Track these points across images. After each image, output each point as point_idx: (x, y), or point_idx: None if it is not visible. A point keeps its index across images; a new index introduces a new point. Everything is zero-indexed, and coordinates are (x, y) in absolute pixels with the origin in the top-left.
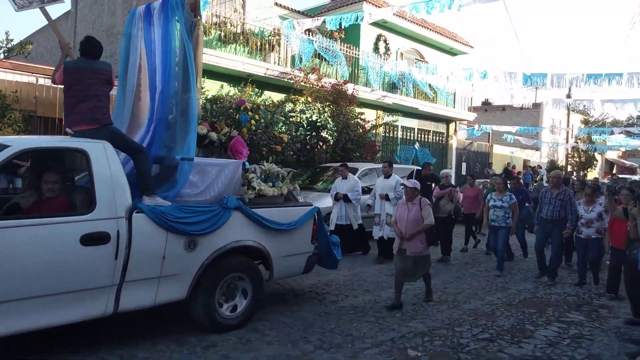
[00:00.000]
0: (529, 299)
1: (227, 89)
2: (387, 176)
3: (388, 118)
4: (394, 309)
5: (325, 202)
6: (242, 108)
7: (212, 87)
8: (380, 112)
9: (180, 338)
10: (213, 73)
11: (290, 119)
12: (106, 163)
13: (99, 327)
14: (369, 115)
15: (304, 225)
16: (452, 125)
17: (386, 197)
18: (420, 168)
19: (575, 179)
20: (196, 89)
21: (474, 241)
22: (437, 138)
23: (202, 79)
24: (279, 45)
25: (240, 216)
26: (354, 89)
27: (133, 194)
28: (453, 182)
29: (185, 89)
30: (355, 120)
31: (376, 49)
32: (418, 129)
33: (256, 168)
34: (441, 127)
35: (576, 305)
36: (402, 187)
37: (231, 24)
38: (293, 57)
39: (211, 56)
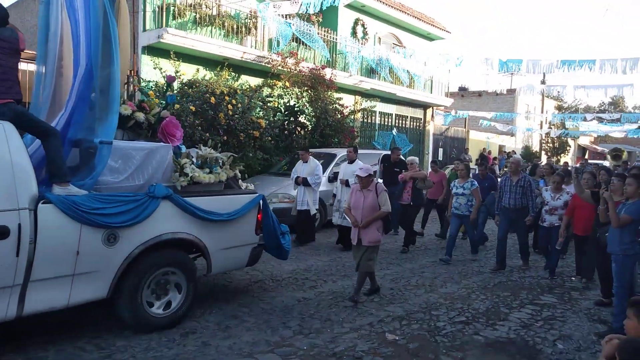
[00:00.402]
0: (504, 283)
1: (203, 73)
2: (351, 162)
3: (366, 104)
4: (373, 293)
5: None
6: (170, 86)
7: (187, 71)
8: (358, 98)
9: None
10: (188, 56)
11: (268, 104)
12: (5, 146)
13: (76, 316)
14: (347, 100)
15: (246, 215)
16: (429, 111)
17: (346, 183)
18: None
19: (545, 162)
20: (119, 65)
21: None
22: (415, 124)
23: (177, 62)
24: (255, 29)
25: (170, 206)
26: (332, 73)
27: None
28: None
29: (105, 63)
30: (334, 105)
31: (354, 33)
32: (396, 115)
33: (190, 153)
34: (418, 113)
35: (549, 288)
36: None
37: (206, 6)
38: (270, 41)
39: (186, 39)
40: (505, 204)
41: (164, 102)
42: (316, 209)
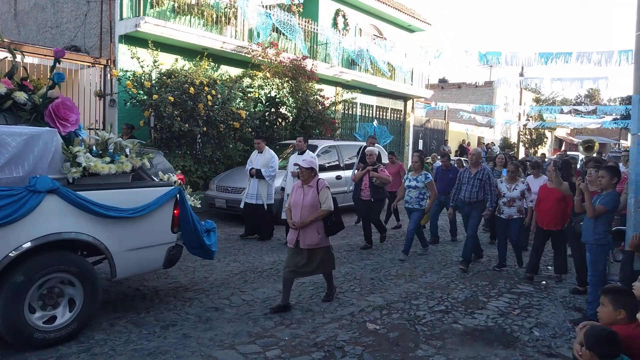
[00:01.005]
0: (482, 272)
1: (182, 63)
2: (301, 152)
3: (347, 95)
4: (278, 311)
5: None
6: (58, 61)
7: (166, 61)
8: (339, 89)
9: (138, 319)
10: (167, 46)
11: (248, 95)
12: None
13: None
14: (328, 91)
15: (158, 210)
16: (409, 103)
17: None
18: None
19: (500, 151)
20: None
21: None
22: (395, 115)
23: (156, 52)
24: (235, 18)
25: (58, 201)
26: (313, 64)
27: None
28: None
29: None
30: (315, 96)
31: (335, 24)
32: (376, 106)
33: (84, 139)
34: (399, 105)
35: (528, 278)
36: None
37: None
38: (250, 31)
39: (164, 28)
40: (462, 197)
41: (141, 92)
42: (270, 204)
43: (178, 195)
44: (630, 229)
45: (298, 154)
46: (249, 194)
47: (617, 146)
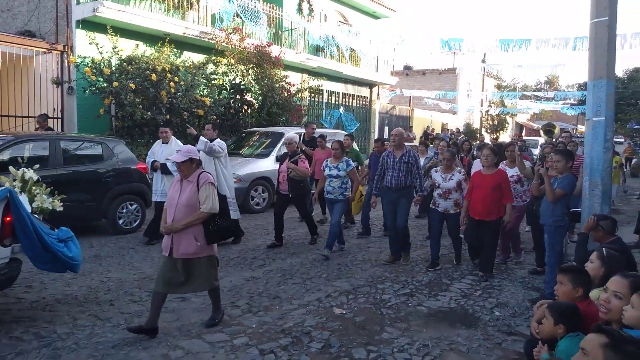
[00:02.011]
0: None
1: (143, 49)
2: (166, 141)
3: (313, 82)
4: (139, 333)
5: (250, 168)
6: None
7: (126, 47)
8: (305, 76)
9: (102, 311)
10: (127, 31)
11: (213, 82)
12: None
13: (8, 305)
14: (294, 78)
15: None
16: (375, 90)
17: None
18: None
19: (440, 138)
20: None
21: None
22: (361, 102)
23: (115, 37)
24: (197, 3)
25: None
26: (280, 51)
27: None
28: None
29: None
30: (280, 83)
31: (300, 9)
32: (343, 93)
33: None
34: (365, 92)
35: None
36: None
37: None
38: (214, 16)
39: (124, 13)
40: (387, 184)
41: (100, 79)
42: None
43: (9, 198)
44: (585, 210)
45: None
46: (156, 191)
47: (574, 131)
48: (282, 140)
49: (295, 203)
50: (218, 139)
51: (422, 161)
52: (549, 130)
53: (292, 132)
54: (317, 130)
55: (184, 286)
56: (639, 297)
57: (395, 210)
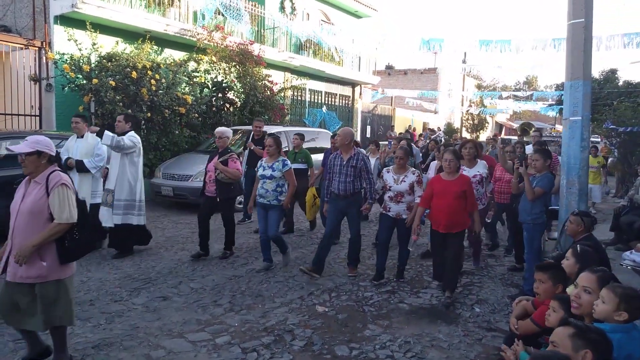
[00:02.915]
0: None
1: (124, 46)
2: (80, 135)
3: (297, 82)
4: None
5: None
6: None
7: (106, 44)
8: (288, 75)
9: (82, 311)
10: (107, 27)
11: (194, 80)
12: None
13: None
14: (277, 77)
15: None
16: (357, 89)
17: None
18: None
19: (393, 135)
20: None
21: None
22: (344, 101)
23: (94, 34)
24: (179, 0)
25: None
26: (260, 49)
27: None
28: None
29: None
30: (263, 82)
31: (282, 8)
32: (325, 92)
33: None
34: (347, 91)
35: (467, 256)
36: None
37: None
38: (195, 13)
39: (104, 9)
40: (335, 190)
41: (80, 76)
42: (96, 203)
43: None
44: (563, 208)
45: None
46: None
47: (551, 130)
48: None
49: (221, 208)
50: (131, 132)
51: (372, 162)
52: (524, 129)
53: (224, 128)
54: (304, 130)
55: (24, 320)
56: (607, 291)
57: (340, 219)
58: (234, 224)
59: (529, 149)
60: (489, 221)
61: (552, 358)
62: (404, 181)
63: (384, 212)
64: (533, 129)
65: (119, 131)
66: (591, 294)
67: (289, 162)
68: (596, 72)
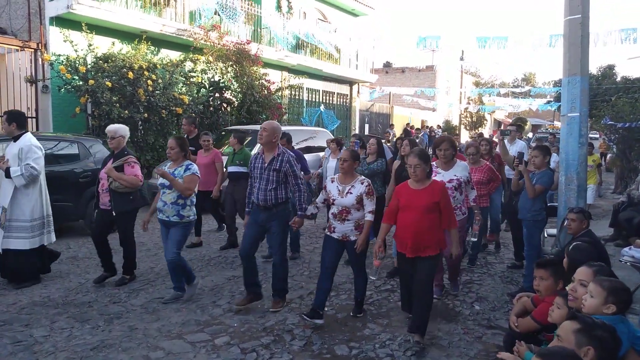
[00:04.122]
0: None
1: (120, 47)
2: (15, 139)
3: (294, 81)
4: None
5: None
6: None
7: (102, 44)
8: (285, 74)
9: (80, 313)
10: (102, 28)
11: (191, 79)
12: None
13: None
14: (274, 76)
15: None
16: (355, 87)
17: (6, 173)
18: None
19: (354, 134)
20: None
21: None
22: (342, 100)
23: (90, 35)
24: (175, 0)
25: None
26: (257, 48)
27: None
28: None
29: None
30: (260, 81)
31: (279, 7)
32: (323, 91)
33: None
34: (345, 89)
35: (467, 254)
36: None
37: None
38: (191, 13)
39: (99, 10)
40: (255, 199)
41: (76, 77)
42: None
43: None
44: (562, 205)
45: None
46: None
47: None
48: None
49: (118, 224)
50: (26, 136)
51: (332, 162)
52: (519, 125)
53: (117, 125)
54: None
55: None
56: (595, 285)
57: (259, 236)
58: (133, 242)
59: (519, 146)
60: (474, 240)
61: (558, 354)
62: (350, 193)
63: (327, 233)
64: (528, 124)
65: (4, 133)
66: (587, 287)
67: (194, 166)
68: (594, 68)
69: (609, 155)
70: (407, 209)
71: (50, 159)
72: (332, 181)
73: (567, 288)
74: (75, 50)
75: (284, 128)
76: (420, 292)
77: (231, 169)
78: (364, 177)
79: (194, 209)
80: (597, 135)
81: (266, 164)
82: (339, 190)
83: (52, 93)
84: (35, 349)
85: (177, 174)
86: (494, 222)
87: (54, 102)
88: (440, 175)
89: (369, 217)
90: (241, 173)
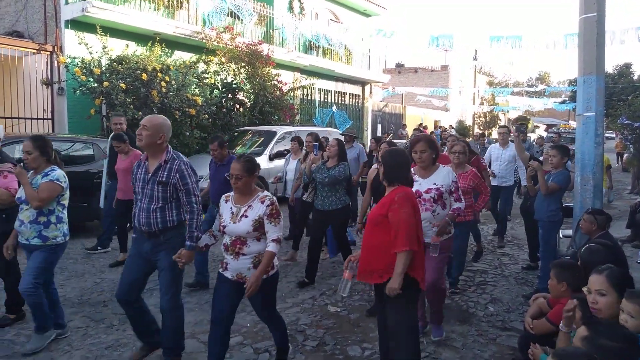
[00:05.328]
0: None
1: (134, 49)
2: None
3: (306, 81)
4: None
5: None
6: None
7: (116, 47)
8: (297, 75)
9: (95, 313)
10: (117, 31)
11: (204, 81)
12: None
13: (0, 307)
14: (286, 77)
15: None
16: (367, 88)
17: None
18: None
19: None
20: None
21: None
22: (354, 100)
23: (105, 37)
24: (187, 2)
25: None
26: (269, 49)
27: None
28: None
29: None
30: (272, 82)
31: (291, 8)
32: (335, 91)
33: None
34: (357, 90)
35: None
36: None
37: None
38: (204, 15)
39: (114, 12)
40: (136, 223)
41: (91, 79)
42: None
43: None
44: (577, 205)
45: None
46: None
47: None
48: (275, 138)
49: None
50: (55, 172)
51: (292, 164)
52: (521, 124)
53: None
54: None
55: None
56: (632, 305)
57: (143, 273)
58: (17, 271)
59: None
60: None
61: (574, 354)
62: (245, 216)
63: (220, 270)
64: (531, 123)
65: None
66: (606, 295)
67: (56, 172)
68: (610, 66)
69: (625, 155)
70: (369, 222)
71: (65, 159)
72: (227, 200)
73: (588, 301)
74: (90, 53)
75: (296, 129)
76: (392, 340)
77: None
78: (266, 194)
79: (65, 227)
80: (614, 135)
81: (150, 174)
82: (232, 212)
83: (67, 95)
84: (51, 347)
85: (35, 183)
86: (476, 236)
87: (69, 104)
88: (417, 184)
89: (272, 247)
90: None
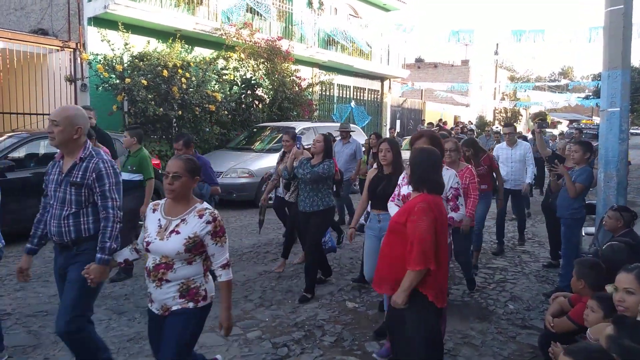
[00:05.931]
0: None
1: (155, 45)
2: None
3: (325, 77)
4: None
5: (261, 163)
6: None
7: (137, 43)
8: (316, 70)
9: (117, 305)
10: (138, 27)
11: (224, 77)
12: None
13: (26, 299)
14: (305, 72)
15: None
16: (386, 83)
17: None
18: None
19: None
20: None
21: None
22: (373, 96)
23: (126, 34)
24: None
25: None
26: (289, 45)
27: None
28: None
29: None
30: (291, 78)
31: (310, 3)
32: (354, 87)
33: None
34: (376, 85)
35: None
36: None
37: None
38: (224, 12)
39: (135, 9)
40: (48, 232)
41: (113, 76)
42: None
43: None
44: (600, 203)
45: None
46: None
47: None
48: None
49: None
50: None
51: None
52: (541, 120)
53: None
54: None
55: None
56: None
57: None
58: None
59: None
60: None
61: (586, 350)
62: (177, 232)
63: (148, 304)
64: (549, 119)
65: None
66: (634, 293)
67: None
68: (636, 60)
69: None
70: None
71: None
72: (154, 210)
73: (614, 299)
74: (112, 50)
75: (314, 125)
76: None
77: (122, 176)
78: (206, 206)
79: None
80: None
81: (63, 175)
82: (160, 226)
83: (90, 91)
84: None
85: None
86: (477, 237)
87: (92, 100)
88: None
89: (225, 275)
90: (132, 182)
